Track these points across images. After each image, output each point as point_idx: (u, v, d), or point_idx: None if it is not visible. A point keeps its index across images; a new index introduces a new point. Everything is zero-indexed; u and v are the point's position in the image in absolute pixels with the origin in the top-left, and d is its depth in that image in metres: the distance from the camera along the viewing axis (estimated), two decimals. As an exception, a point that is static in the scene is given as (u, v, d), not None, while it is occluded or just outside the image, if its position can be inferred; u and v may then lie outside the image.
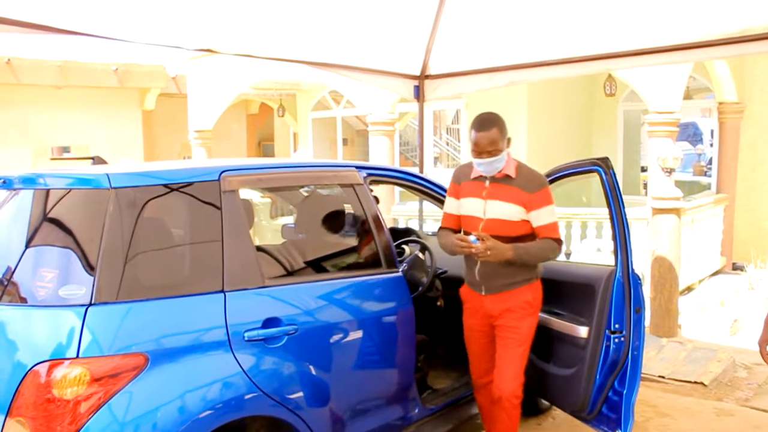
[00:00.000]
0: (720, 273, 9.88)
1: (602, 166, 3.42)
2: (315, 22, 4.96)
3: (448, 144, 12.41)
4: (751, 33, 4.31)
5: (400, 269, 3.57)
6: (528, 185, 3.32)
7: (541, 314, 3.75)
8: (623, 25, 4.72)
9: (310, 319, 3.00)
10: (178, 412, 2.44)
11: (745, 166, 10.24)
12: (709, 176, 11.20)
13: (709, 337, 6.81)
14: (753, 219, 10.13)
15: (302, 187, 3.80)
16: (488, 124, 3.30)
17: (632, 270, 3.38)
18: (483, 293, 3.41)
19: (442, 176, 11.27)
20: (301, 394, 2.87)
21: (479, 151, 3.28)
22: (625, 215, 3.37)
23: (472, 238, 3.25)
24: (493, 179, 3.35)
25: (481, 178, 3.38)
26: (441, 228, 3.60)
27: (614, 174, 3.41)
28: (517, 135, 9.97)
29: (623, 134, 11.50)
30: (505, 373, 3.36)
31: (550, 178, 3.84)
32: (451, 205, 3.54)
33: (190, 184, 2.81)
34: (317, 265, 3.48)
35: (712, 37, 4.54)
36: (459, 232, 3.46)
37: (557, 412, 4.36)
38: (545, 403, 4.43)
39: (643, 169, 11.23)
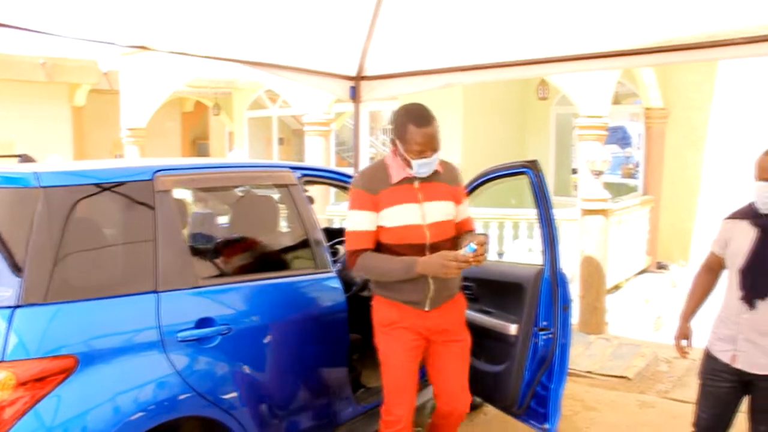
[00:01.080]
0: (646, 272, 10.24)
1: (531, 168, 3.48)
2: (251, 21, 4.93)
3: (384, 144, 12.46)
4: (674, 43, 4.51)
5: (334, 269, 3.58)
6: (452, 178, 3.13)
7: (472, 312, 3.83)
8: (556, 31, 4.85)
9: (244, 319, 3.01)
10: (109, 414, 2.42)
11: (669, 170, 10.63)
12: (637, 179, 11.55)
13: (634, 334, 7.07)
14: (677, 220, 10.51)
15: (236, 187, 3.78)
16: (429, 117, 2.92)
17: (560, 269, 3.47)
18: (427, 309, 3.05)
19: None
20: (234, 394, 2.87)
21: (424, 149, 2.88)
22: (553, 216, 3.47)
23: (469, 248, 2.86)
24: (421, 179, 3.01)
25: (407, 181, 2.99)
26: (357, 251, 3.00)
27: (542, 176, 3.47)
28: (452, 136, 10.15)
29: (555, 137, 11.80)
30: (463, 386, 3.21)
31: (481, 180, 3.95)
32: (367, 220, 2.98)
33: (122, 183, 2.78)
34: (251, 266, 3.47)
35: (639, 46, 4.72)
36: (378, 251, 3.04)
37: (488, 408, 4.45)
38: (476, 399, 4.52)
39: (574, 171, 11.53)
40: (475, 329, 3.77)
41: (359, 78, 6.05)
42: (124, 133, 12.17)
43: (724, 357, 2.99)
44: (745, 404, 3.06)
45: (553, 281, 3.45)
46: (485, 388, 3.88)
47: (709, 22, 4.32)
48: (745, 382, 2.97)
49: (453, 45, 5.34)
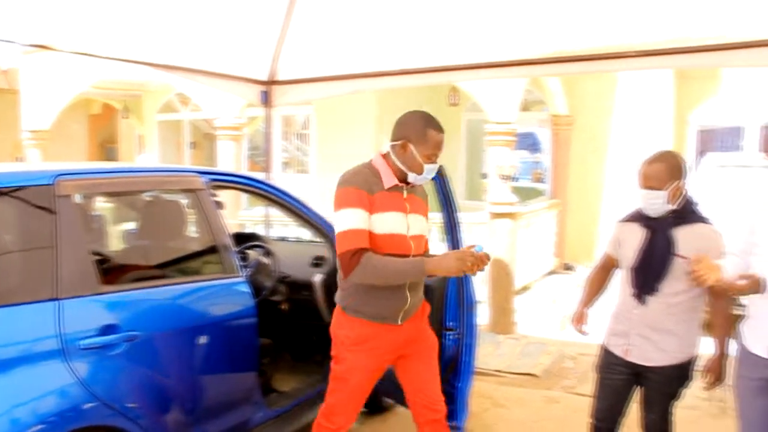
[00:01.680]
0: (553, 273, 10.58)
1: (437, 173, 3.57)
2: (159, 22, 4.86)
3: (298, 149, 12.41)
4: (575, 54, 4.73)
5: (244, 274, 3.57)
6: (425, 194, 3.14)
7: None
8: (465, 40, 4.99)
9: (150, 325, 2.95)
10: (6, 427, 2.33)
11: (575, 175, 11.03)
12: (546, 183, 11.94)
13: (541, 333, 7.29)
14: (582, 223, 10.89)
15: (142, 192, 3.71)
16: (442, 126, 2.95)
17: (465, 271, 3.55)
18: (399, 323, 2.96)
19: (292, 182, 11.35)
20: (141, 402, 2.82)
21: (437, 154, 2.91)
22: (458, 219, 3.56)
23: (478, 248, 2.76)
24: (407, 189, 2.98)
25: (397, 188, 2.93)
26: (359, 250, 2.75)
27: (448, 180, 3.55)
28: (364, 141, 10.23)
29: (467, 142, 12.04)
30: (438, 388, 3.18)
31: None
32: (362, 219, 2.79)
33: (21, 188, 2.69)
34: (158, 271, 3.42)
35: (543, 55, 4.92)
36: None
37: (401, 409, 4.50)
38: (388, 400, 4.59)
39: (485, 176, 11.79)
40: None
41: (271, 83, 6.05)
42: (25, 135, 11.64)
43: (618, 351, 3.15)
44: (637, 395, 3.23)
45: (458, 282, 3.53)
46: (396, 389, 3.93)
47: (606, 37, 4.55)
48: (637, 374, 3.14)
49: (364, 51, 5.42)
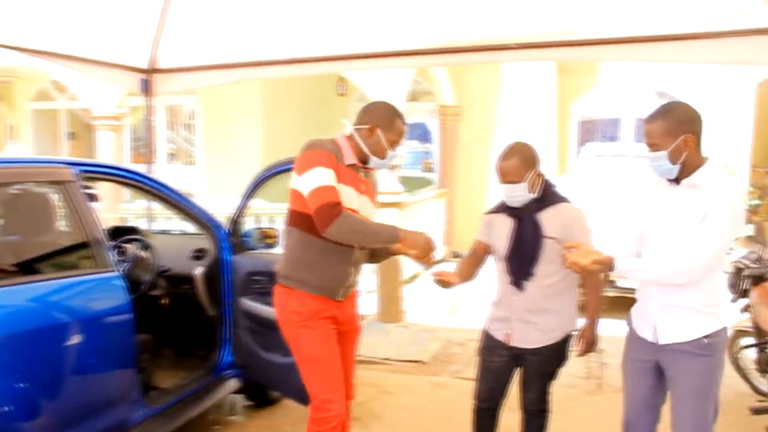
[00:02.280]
0: (443, 261, 10.75)
1: None
2: (30, 4, 4.59)
3: (186, 140, 12.06)
4: (459, 46, 4.81)
5: (122, 268, 3.46)
6: (375, 183, 3.23)
7: (260, 305, 3.93)
8: (352, 29, 4.97)
9: (15, 323, 2.81)
10: None
11: (462, 164, 11.25)
12: (435, 173, 12.11)
13: (430, 320, 7.39)
14: (470, 211, 11.04)
15: (3, 184, 3.49)
16: None
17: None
18: (339, 299, 3.06)
19: (178, 173, 11.02)
20: (8, 406, 2.69)
21: (400, 143, 3.03)
22: None
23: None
24: (363, 173, 3.06)
25: (355, 168, 2.99)
26: (338, 204, 2.77)
27: None
28: (251, 132, 10.08)
29: (357, 133, 12.01)
30: (353, 377, 3.28)
31: (266, 175, 4.00)
32: (334, 179, 2.82)
33: None
34: (22, 267, 3.22)
35: (429, 46, 4.98)
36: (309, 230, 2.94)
37: (288, 401, 4.47)
38: (275, 393, 4.55)
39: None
40: (265, 322, 3.85)
41: (151, 71, 5.85)
42: None
43: (500, 336, 3.25)
44: (517, 375, 3.34)
45: None
46: (280, 381, 3.94)
47: (490, 29, 4.65)
48: (517, 356, 3.24)
49: (249, 40, 5.32)
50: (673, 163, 2.63)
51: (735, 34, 3.94)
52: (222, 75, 5.69)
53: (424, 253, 2.85)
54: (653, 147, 2.65)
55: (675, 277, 2.58)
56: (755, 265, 4.09)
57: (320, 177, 2.79)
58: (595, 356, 5.93)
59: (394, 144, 3.00)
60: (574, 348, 3.26)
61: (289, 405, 4.52)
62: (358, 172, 3.01)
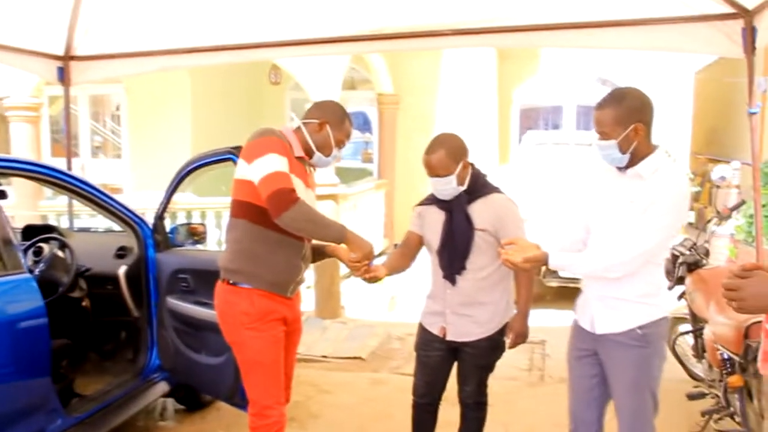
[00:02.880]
0: (383, 254, 10.65)
1: (236, 154, 3.38)
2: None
3: (113, 132, 11.62)
4: (397, 31, 4.68)
5: (36, 270, 3.30)
6: (314, 179, 3.14)
7: (187, 304, 3.76)
8: (283, 15, 4.78)
9: None
10: None
11: (402, 154, 11.15)
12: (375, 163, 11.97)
13: (369, 315, 7.28)
14: (410, 202, 10.89)
15: None
16: None
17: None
18: (289, 295, 2.96)
19: (104, 167, 10.61)
20: None
21: (345, 143, 3.02)
22: None
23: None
24: (310, 167, 3.03)
25: (302, 161, 2.92)
26: (295, 191, 2.68)
27: None
28: (181, 123, 9.75)
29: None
30: (291, 377, 3.20)
31: (188, 169, 3.84)
32: (288, 168, 2.75)
33: None
34: None
35: (364, 32, 4.82)
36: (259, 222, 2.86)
37: (220, 404, 4.32)
38: (208, 396, 4.38)
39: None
40: (193, 322, 3.71)
41: (68, 58, 5.52)
42: None
43: (434, 329, 3.18)
44: (455, 369, 3.28)
45: None
46: (207, 381, 3.81)
47: (426, 14, 4.53)
48: (454, 350, 3.19)
49: (175, 25, 5.06)
50: (623, 152, 2.56)
51: (672, 21, 3.92)
52: (146, 63, 5.42)
53: (364, 259, 2.84)
54: (603, 135, 2.57)
55: (606, 272, 2.56)
56: (689, 252, 4.09)
57: (274, 163, 2.70)
58: (538, 348, 5.92)
59: (339, 143, 2.97)
60: (506, 338, 3.21)
61: (222, 407, 4.37)
62: (305, 165, 2.96)
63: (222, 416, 4.40)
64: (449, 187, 3.01)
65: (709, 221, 4.49)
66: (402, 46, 5.09)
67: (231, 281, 2.91)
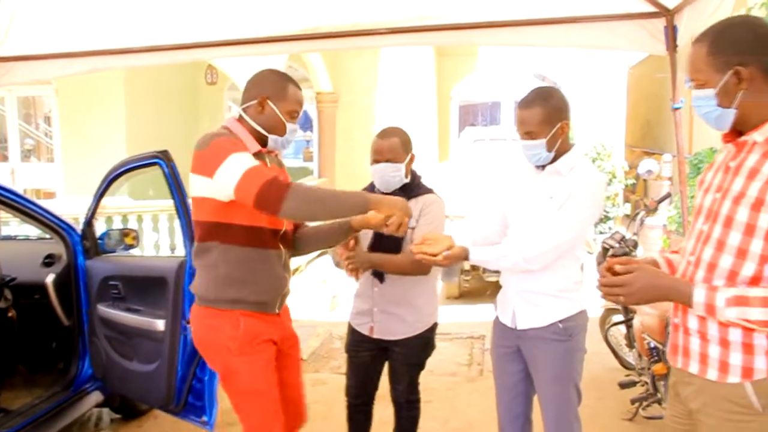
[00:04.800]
0: (325, 254, 10.59)
1: (163, 158, 3.38)
2: None
3: (46, 135, 11.30)
4: (333, 30, 4.65)
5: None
6: (282, 165, 2.79)
7: (119, 312, 3.68)
8: (218, 14, 4.70)
9: None
10: None
11: (342, 152, 11.14)
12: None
13: (311, 315, 7.25)
14: (351, 199, 11.01)
15: None
16: None
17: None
18: (277, 311, 2.62)
19: (37, 172, 10.31)
20: None
21: (299, 113, 2.58)
22: (189, 205, 3.36)
23: None
24: (270, 159, 2.60)
25: (260, 156, 2.50)
26: (277, 176, 2.39)
27: (175, 166, 3.38)
28: (115, 125, 9.53)
29: (231, 122, 11.66)
30: (304, 397, 2.89)
31: (114, 174, 3.78)
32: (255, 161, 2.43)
33: None
34: None
35: (299, 31, 4.78)
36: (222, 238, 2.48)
37: (158, 412, 4.25)
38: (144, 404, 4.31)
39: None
40: (125, 330, 3.64)
41: (-12, 58, 5.32)
42: None
43: (364, 329, 3.16)
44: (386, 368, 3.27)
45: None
46: (141, 389, 3.73)
47: (363, 13, 4.51)
48: (384, 349, 3.17)
49: (105, 25, 4.92)
50: (549, 150, 2.59)
51: (601, 19, 4.00)
52: (75, 64, 5.25)
53: (405, 216, 2.38)
54: (530, 135, 2.58)
55: (524, 265, 2.55)
56: (618, 245, 4.18)
57: (240, 162, 2.28)
58: (478, 342, 6.00)
59: (291, 114, 2.53)
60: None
61: (160, 415, 4.30)
62: (265, 160, 2.53)
63: (160, 424, 4.32)
64: (398, 174, 2.99)
65: (637, 214, 4.61)
66: (339, 45, 5.06)
67: (211, 306, 2.53)
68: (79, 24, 4.92)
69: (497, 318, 2.88)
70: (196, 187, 2.41)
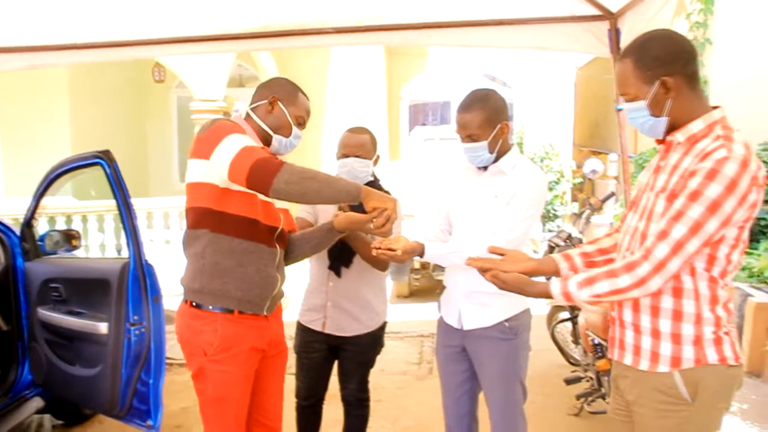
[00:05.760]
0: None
1: (104, 158, 3.32)
2: None
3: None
4: (282, 29, 4.60)
5: None
6: None
7: (60, 315, 3.60)
8: (164, 11, 4.60)
9: None
10: None
11: (293, 150, 11.03)
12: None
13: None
14: (303, 199, 10.93)
15: None
16: None
17: (145, 260, 3.34)
18: (266, 313, 2.51)
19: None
20: None
21: (306, 121, 2.61)
22: (132, 206, 3.32)
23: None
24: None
25: None
26: (274, 155, 2.44)
27: (117, 166, 3.31)
28: (58, 123, 9.29)
29: (178, 121, 11.52)
30: (281, 407, 2.76)
31: (54, 175, 3.71)
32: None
33: None
34: None
35: (248, 29, 4.71)
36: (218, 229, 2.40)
37: (102, 417, 4.16)
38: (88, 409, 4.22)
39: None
40: (66, 333, 3.55)
41: None
42: None
43: (316, 325, 3.14)
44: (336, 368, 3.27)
45: (140, 273, 3.30)
46: (85, 395, 3.63)
47: (312, 12, 4.48)
48: (333, 347, 3.16)
49: (46, 20, 4.78)
50: (491, 152, 2.61)
51: (548, 21, 4.05)
52: (11, 60, 5.08)
53: (392, 213, 2.29)
54: (471, 138, 2.60)
55: None
56: (564, 243, 4.26)
57: (238, 141, 2.24)
58: (428, 341, 6.02)
59: (299, 120, 2.55)
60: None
61: (105, 420, 4.22)
62: None
63: (105, 429, 4.24)
64: (366, 170, 3.03)
65: (583, 212, 4.70)
66: (288, 44, 5.01)
67: (194, 303, 2.44)
68: (17, 18, 4.77)
69: (441, 318, 2.90)
70: (193, 172, 2.37)
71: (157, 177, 11.16)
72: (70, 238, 4.07)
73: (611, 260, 2.09)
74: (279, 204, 2.52)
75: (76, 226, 7.39)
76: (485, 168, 2.69)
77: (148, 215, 7.68)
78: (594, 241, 2.25)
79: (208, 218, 2.37)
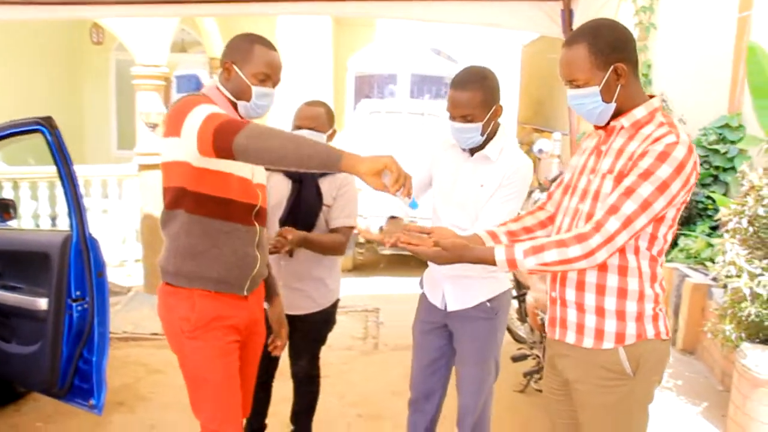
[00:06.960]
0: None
1: (45, 125, 3.16)
2: None
3: None
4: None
5: None
6: None
7: None
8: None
9: None
10: None
11: (237, 120, 10.84)
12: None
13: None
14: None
15: None
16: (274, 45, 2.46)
17: (89, 233, 3.21)
18: (245, 293, 2.43)
19: None
20: None
21: (270, 76, 2.36)
22: (75, 175, 3.18)
23: (413, 203, 2.02)
24: None
25: None
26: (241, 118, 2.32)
27: (59, 133, 3.16)
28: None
29: (117, 85, 11.12)
30: (250, 396, 2.67)
31: None
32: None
33: None
34: None
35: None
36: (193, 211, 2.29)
37: (37, 395, 4.02)
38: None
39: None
40: (1, 309, 3.42)
41: None
42: None
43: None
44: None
45: (83, 247, 3.17)
46: (22, 373, 3.50)
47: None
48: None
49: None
50: (484, 134, 2.56)
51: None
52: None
53: (400, 168, 1.93)
54: (466, 118, 2.52)
55: None
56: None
57: (205, 109, 2.11)
58: (372, 316, 6.03)
59: (259, 77, 2.33)
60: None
61: (40, 398, 4.05)
62: None
63: (40, 407, 4.10)
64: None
65: (531, 191, 4.73)
66: (232, 10, 4.86)
67: (171, 283, 2.37)
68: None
69: (424, 296, 2.91)
70: (167, 151, 2.26)
71: (94, 144, 10.77)
72: (5, 207, 3.89)
73: (536, 239, 2.06)
74: (257, 180, 2.43)
75: (7, 194, 7.08)
76: (471, 153, 2.65)
77: (86, 183, 7.39)
78: (517, 219, 2.27)
79: (182, 198, 2.28)
